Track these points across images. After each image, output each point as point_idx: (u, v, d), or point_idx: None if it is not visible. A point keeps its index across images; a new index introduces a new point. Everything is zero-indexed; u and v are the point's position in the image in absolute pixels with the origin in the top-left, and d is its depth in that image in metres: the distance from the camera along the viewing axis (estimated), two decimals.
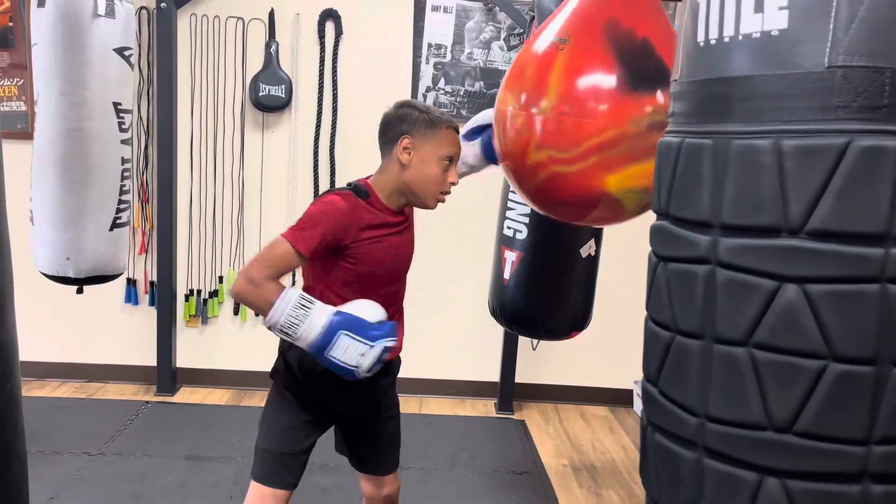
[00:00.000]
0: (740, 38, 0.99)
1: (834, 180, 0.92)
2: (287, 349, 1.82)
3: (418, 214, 3.91)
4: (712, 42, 1.03)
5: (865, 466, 0.95)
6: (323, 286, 1.75)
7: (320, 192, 3.69)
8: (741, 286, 0.99)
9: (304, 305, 1.58)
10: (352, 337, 1.58)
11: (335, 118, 3.68)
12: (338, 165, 3.73)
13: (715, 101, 1.04)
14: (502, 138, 2.01)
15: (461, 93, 3.73)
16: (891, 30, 0.90)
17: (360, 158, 3.74)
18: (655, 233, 1.16)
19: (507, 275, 2.76)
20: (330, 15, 3.62)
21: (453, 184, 1.81)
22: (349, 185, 1.79)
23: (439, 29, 3.67)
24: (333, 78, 3.66)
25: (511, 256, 2.74)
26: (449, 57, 3.70)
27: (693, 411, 1.06)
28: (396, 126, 1.75)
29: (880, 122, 0.91)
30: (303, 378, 1.80)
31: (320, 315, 1.58)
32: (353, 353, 1.58)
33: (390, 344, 1.63)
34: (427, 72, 3.70)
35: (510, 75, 2.04)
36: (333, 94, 3.67)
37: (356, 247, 1.71)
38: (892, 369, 0.93)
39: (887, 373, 0.93)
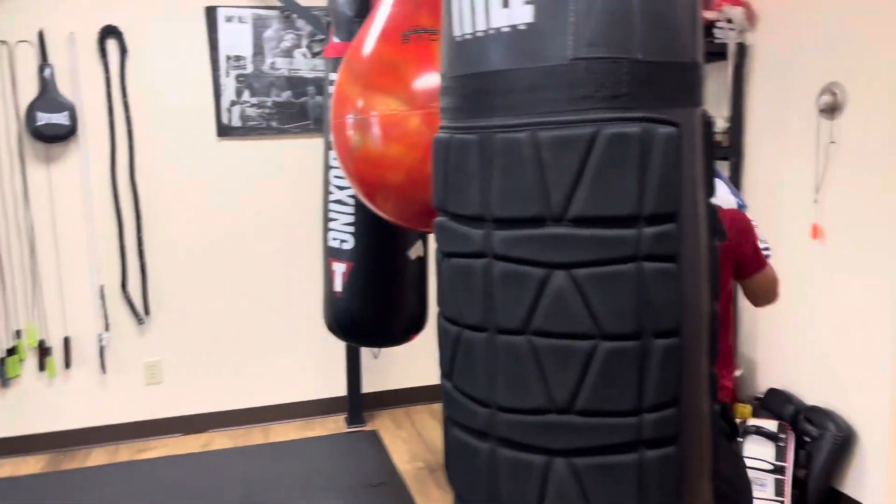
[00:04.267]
0: (491, 32, 1.01)
1: (587, 168, 0.96)
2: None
3: (227, 230, 3.66)
4: (467, 37, 1.05)
5: (639, 435, 1.00)
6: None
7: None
8: (515, 276, 1.02)
9: None
10: None
11: (131, 143, 3.39)
12: (141, 193, 3.43)
13: (477, 96, 1.05)
14: (381, 145, 1.88)
15: (269, 104, 3.58)
16: (623, 20, 0.95)
17: (166, 184, 3.49)
18: (437, 229, 1.17)
19: (338, 287, 2.68)
20: (110, 32, 3.33)
21: None
22: None
23: (236, 40, 3.50)
24: (124, 100, 3.36)
25: (340, 268, 2.66)
26: (251, 68, 3.54)
27: (484, 402, 1.08)
28: None
29: (623, 109, 0.96)
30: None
31: None
32: None
33: None
34: (229, 85, 3.52)
35: (375, 76, 1.92)
36: (126, 118, 3.37)
37: None
38: (653, 341, 0.99)
39: (649, 345, 0.99)
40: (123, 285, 3.45)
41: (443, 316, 1.17)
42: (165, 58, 3.42)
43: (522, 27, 0.97)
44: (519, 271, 1.01)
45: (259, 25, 3.53)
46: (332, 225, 2.70)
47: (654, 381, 1.00)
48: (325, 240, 2.74)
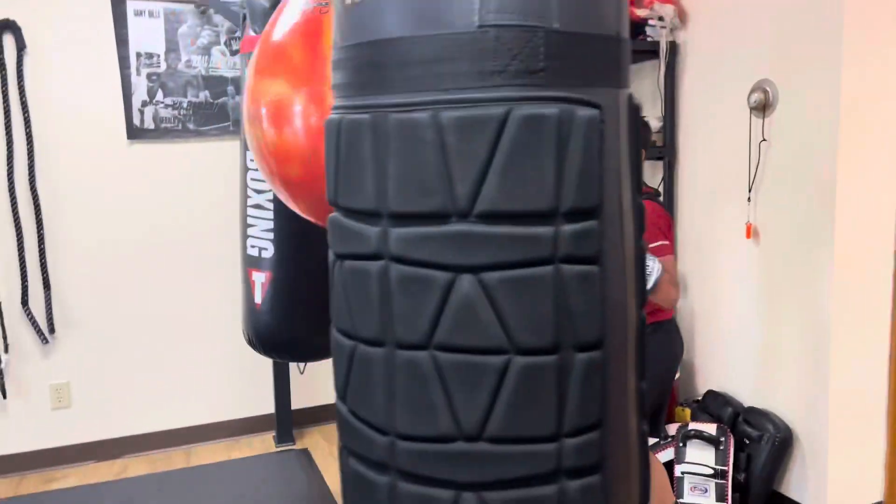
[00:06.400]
0: None
1: (497, 155, 0.82)
2: None
3: (138, 239, 3.37)
4: None
5: (559, 463, 0.87)
6: None
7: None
8: (416, 282, 0.86)
9: None
10: None
11: (31, 146, 3.12)
12: (43, 201, 3.17)
13: (370, 69, 0.89)
14: (275, 136, 1.69)
15: (185, 105, 3.36)
16: None
17: (70, 190, 3.22)
18: (330, 227, 1.01)
19: (258, 299, 2.49)
20: (7, 26, 3.06)
21: None
22: None
23: (147, 36, 3.27)
24: (22, 100, 3.09)
25: (260, 278, 2.47)
26: (164, 66, 3.31)
27: (382, 429, 0.92)
28: None
29: (538, 87, 0.82)
30: None
31: None
32: None
33: None
34: (141, 84, 3.28)
35: (263, 60, 1.73)
36: (25, 119, 3.10)
37: None
38: (573, 355, 0.86)
39: (570, 360, 0.85)
40: (24, 301, 3.17)
41: (336, 328, 1.00)
42: (69, 55, 3.16)
43: None
44: (420, 276, 0.86)
45: (172, 21, 3.31)
46: (250, 232, 2.52)
47: (576, 402, 0.87)
48: (244, 248, 2.55)
